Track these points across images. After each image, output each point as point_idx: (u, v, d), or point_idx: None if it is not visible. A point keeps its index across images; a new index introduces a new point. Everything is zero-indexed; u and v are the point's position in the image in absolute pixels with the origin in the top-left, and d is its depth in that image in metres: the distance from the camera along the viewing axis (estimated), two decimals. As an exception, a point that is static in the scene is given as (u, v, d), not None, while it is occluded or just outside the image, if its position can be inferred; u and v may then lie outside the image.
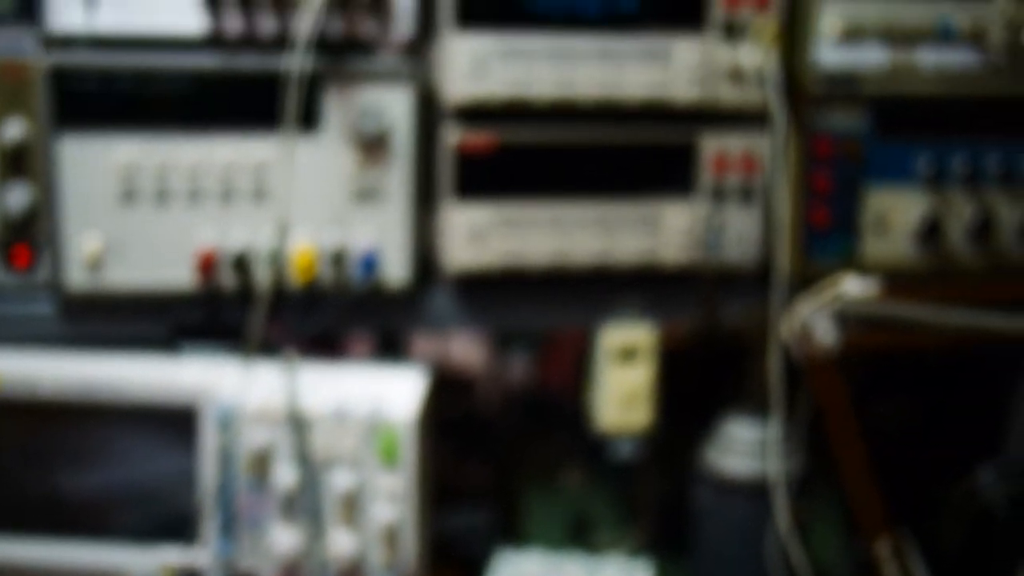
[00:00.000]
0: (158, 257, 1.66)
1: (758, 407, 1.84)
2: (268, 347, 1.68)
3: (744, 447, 1.85)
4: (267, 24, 1.62)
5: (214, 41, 1.62)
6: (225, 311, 1.70)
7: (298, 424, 1.63)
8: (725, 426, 1.88)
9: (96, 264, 1.64)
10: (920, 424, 2.28)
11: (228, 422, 1.64)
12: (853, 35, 1.75)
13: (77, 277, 1.65)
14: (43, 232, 1.64)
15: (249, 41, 1.63)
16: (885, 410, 2.26)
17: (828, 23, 1.75)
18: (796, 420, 1.81)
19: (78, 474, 1.68)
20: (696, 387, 2.01)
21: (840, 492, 1.91)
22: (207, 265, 1.65)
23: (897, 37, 1.77)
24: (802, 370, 1.76)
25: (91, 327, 1.70)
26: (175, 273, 1.67)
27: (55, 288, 1.66)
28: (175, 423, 1.66)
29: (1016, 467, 2.02)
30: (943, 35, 1.78)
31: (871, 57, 1.77)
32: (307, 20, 1.59)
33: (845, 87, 1.77)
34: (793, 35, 1.77)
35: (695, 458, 1.91)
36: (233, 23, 1.62)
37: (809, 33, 1.75)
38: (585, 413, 1.88)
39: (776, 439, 1.79)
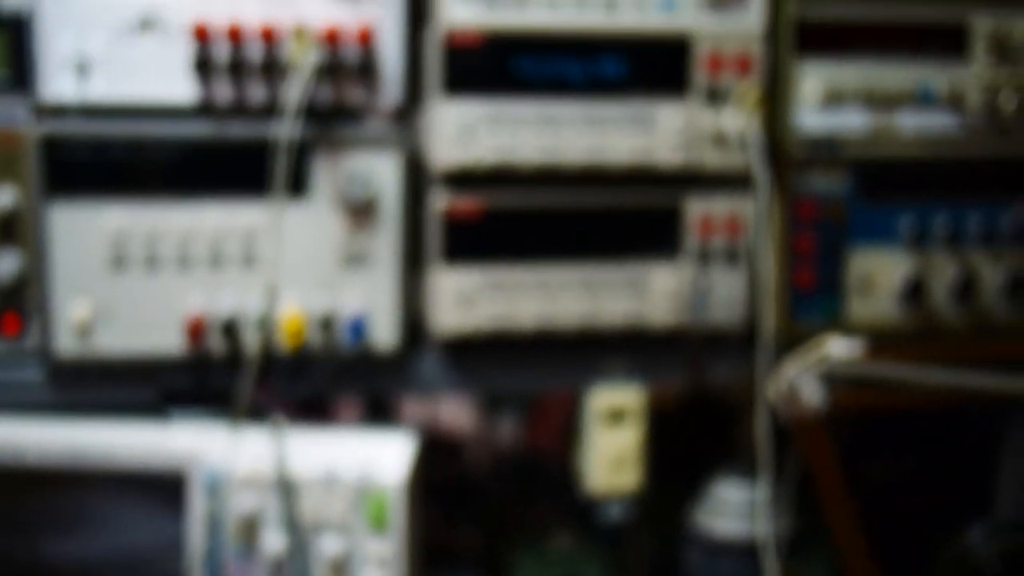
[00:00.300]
0: (147, 323, 1.66)
1: (747, 468, 1.84)
2: (257, 412, 1.67)
3: (733, 508, 1.85)
4: (257, 92, 1.64)
5: (204, 109, 1.64)
6: (214, 376, 1.70)
7: (286, 489, 1.63)
8: (714, 487, 1.88)
9: (85, 330, 1.64)
10: (909, 482, 2.29)
11: (216, 488, 1.63)
12: (834, 99, 1.79)
13: (66, 343, 1.65)
14: (32, 299, 1.65)
15: (239, 109, 1.65)
16: (874, 469, 2.27)
17: (809, 88, 1.78)
18: (785, 480, 1.81)
19: (65, 541, 1.67)
20: (685, 448, 2.01)
21: (830, 551, 1.91)
22: (196, 330, 1.66)
23: (877, 101, 1.80)
24: (790, 430, 1.77)
25: (80, 393, 1.70)
26: (164, 338, 1.67)
27: (44, 355, 1.66)
28: (163, 489, 1.65)
29: (1006, 525, 2.02)
30: (922, 99, 1.81)
31: (852, 121, 1.80)
32: (296, 88, 1.61)
33: (827, 150, 1.80)
34: (775, 100, 1.80)
35: (685, 519, 1.91)
36: (223, 92, 1.64)
37: (791, 98, 1.78)
38: (574, 475, 1.88)
39: (765, 500, 1.79)
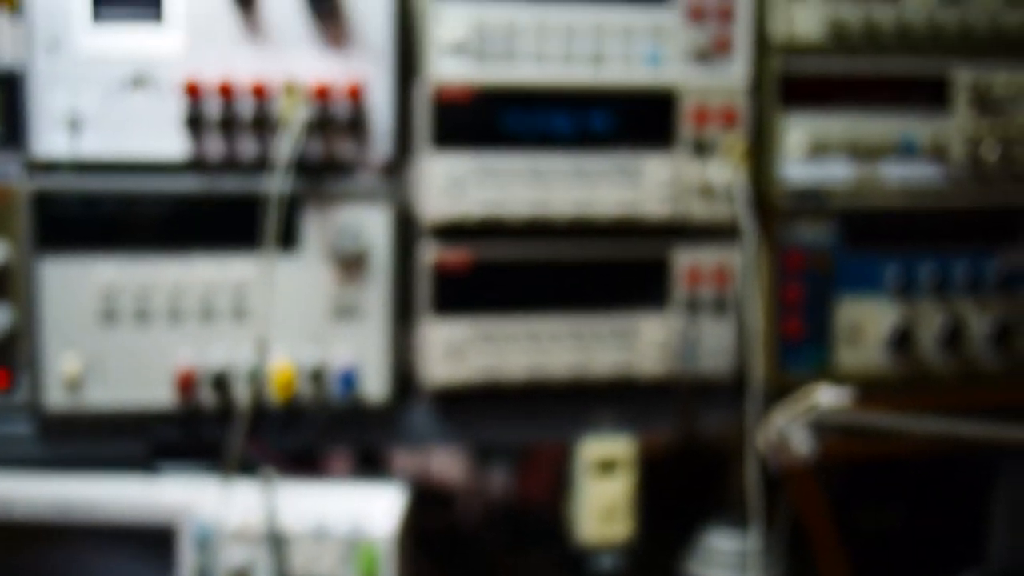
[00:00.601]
0: (138, 376, 1.67)
1: (738, 517, 1.84)
2: (247, 465, 1.67)
3: (725, 558, 1.84)
4: (248, 147, 1.66)
5: (196, 165, 1.66)
6: (204, 429, 1.70)
7: (277, 543, 1.62)
8: (705, 537, 1.88)
9: (75, 384, 1.65)
10: (901, 531, 2.28)
11: (206, 541, 1.63)
12: (819, 151, 1.81)
13: (56, 398, 1.65)
14: (23, 353, 1.65)
15: (230, 164, 1.66)
16: (865, 517, 2.26)
17: (794, 140, 1.80)
18: (776, 529, 1.81)
19: (53, 597, 1.66)
20: (676, 498, 2.01)
21: (823, 601, 1.90)
22: (186, 384, 1.66)
23: (861, 152, 1.82)
24: (780, 479, 1.77)
25: (70, 447, 1.70)
26: (154, 392, 1.67)
27: (34, 409, 1.66)
28: (153, 543, 1.65)
29: (998, 573, 2.02)
30: (906, 150, 1.83)
31: (837, 172, 1.82)
32: (287, 143, 1.62)
33: (813, 201, 1.82)
34: (761, 152, 1.82)
35: (676, 570, 1.90)
36: (214, 147, 1.65)
37: (776, 150, 1.80)
38: (566, 526, 1.87)
39: (756, 549, 1.78)
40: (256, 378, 1.67)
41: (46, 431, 1.68)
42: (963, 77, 1.84)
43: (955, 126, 1.85)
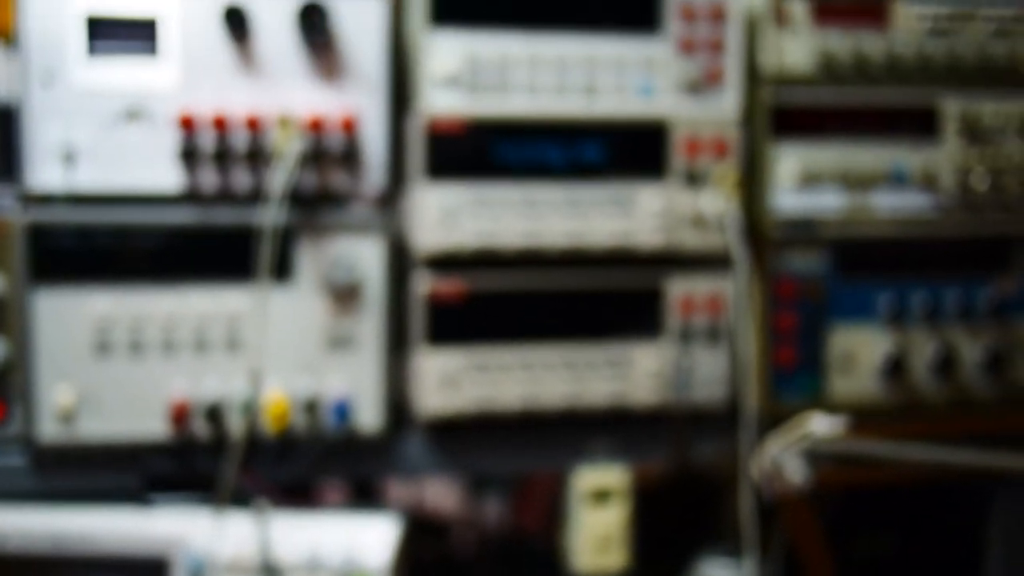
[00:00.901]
0: (131, 408, 1.67)
1: (732, 546, 1.84)
2: (241, 496, 1.67)
3: (720, 588, 1.84)
4: (242, 180, 1.66)
5: (190, 197, 1.66)
6: (198, 461, 1.70)
7: (271, 575, 1.62)
8: (700, 566, 1.88)
9: (69, 417, 1.65)
10: (896, 558, 2.28)
11: (200, 574, 1.62)
12: (810, 181, 1.82)
13: (49, 430, 1.65)
14: (16, 385, 1.65)
15: (224, 196, 1.67)
16: (860, 545, 2.26)
17: (786, 170, 1.81)
18: (770, 558, 1.81)
19: (46, 630, 1.65)
20: (670, 527, 2.01)
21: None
22: (180, 415, 1.66)
23: (853, 182, 1.83)
24: (774, 508, 1.77)
25: (63, 479, 1.69)
26: (148, 424, 1.67)
27: (27, 441, 1.66)
28: (147, 575, 1.64)
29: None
30: (896, 179, 1.84)
31: (828, 201, 1.83)
32: (281, 175, 1.63)
33: (805, 230, 1.83)
34: (752, 182, 1.83)
35: (671, 600, 1.90)
36: (208, 179, 1.66)
37: (768, 179, 1.81)
38: (560, 556, 1.87)
39: (751, 579, 1.78)
40: (250, 409, 1.67)
41: (39, 463, 1.68)
42: (952, 107, 1.86)
43: (945, 156, 1.86)
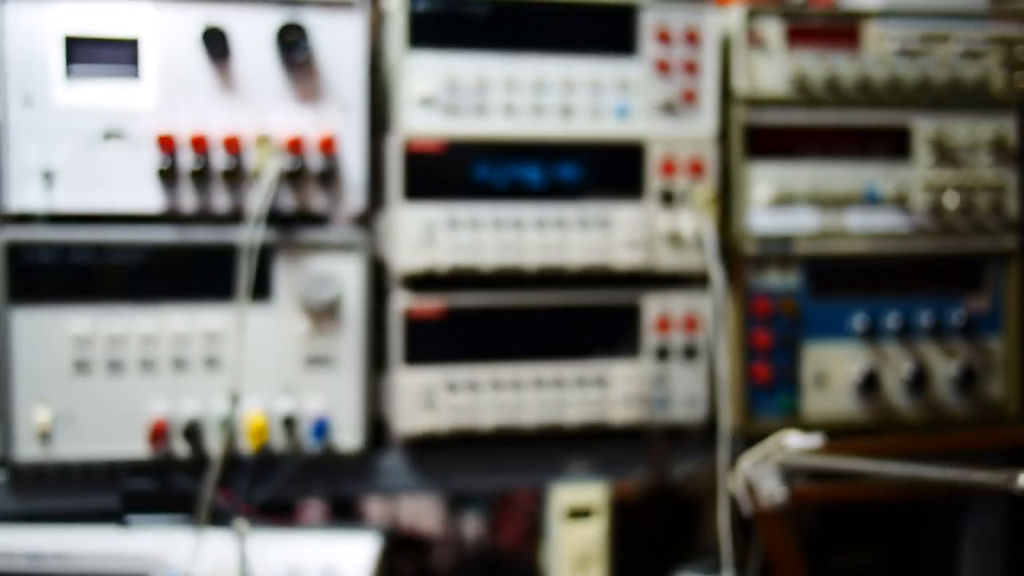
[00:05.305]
0: (109, 427, 1.67)
1: (711, 562, 1.85)
2: (220, 515, 1.67)
3: (697, 604, 1.85)
4: (221, 199, 1.67)
5: (169, 216, 1.67)
6: (177, 479, 1.70)
7: (249, 593, 1.62)
8: (678, 583, 1.89)
9: (46, 436, 1.64)
10: (873, 571, 2.29)
11: (178, 593, 1.62)
12: (784, 201, 1.84)
13: (27, 449, 1.65)
14: (-6, 405, 1.65)
15: (203, 215, 1.67)
16: (838, 559, 2.28)
17: (761, 190, 1.83)
18: (749, 573, 1.82)
19: (23, 650, 1.64)
20: (649, 544, 2.02)
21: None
22: (159, 434, 1.66)
23: (826, 202, 1.86)
24: (752, 524, 1.78)
25: (40, 499, 1.69)
26: (126, 443, 1.67)
27: (4, 461, 1.65)
28: (125, 594, 1.64)
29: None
30: (869, 199, 1.87)
31: (803, 221, 1.85)
32: (259, 195, 1.64)
33: (779, 249, 1.85)
34: (728, 201, 1.85)
35: (649, 616, 1.91)
36: (187, 199, 1.67)
37: (743, 199, 1.83)
38: (539, 572, 1.88)
39: (728, 595, 1.79)
40: (228, 428, 1.67)
41: (16, 483, 1.68)
42: (923, 128, 1.88)
43: (917, 176, 1.89)
